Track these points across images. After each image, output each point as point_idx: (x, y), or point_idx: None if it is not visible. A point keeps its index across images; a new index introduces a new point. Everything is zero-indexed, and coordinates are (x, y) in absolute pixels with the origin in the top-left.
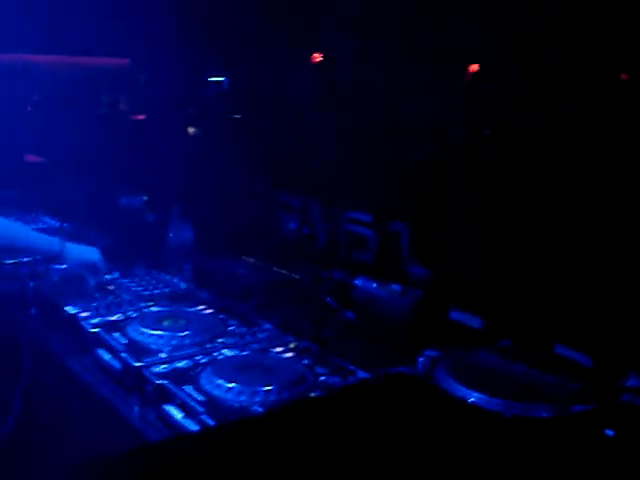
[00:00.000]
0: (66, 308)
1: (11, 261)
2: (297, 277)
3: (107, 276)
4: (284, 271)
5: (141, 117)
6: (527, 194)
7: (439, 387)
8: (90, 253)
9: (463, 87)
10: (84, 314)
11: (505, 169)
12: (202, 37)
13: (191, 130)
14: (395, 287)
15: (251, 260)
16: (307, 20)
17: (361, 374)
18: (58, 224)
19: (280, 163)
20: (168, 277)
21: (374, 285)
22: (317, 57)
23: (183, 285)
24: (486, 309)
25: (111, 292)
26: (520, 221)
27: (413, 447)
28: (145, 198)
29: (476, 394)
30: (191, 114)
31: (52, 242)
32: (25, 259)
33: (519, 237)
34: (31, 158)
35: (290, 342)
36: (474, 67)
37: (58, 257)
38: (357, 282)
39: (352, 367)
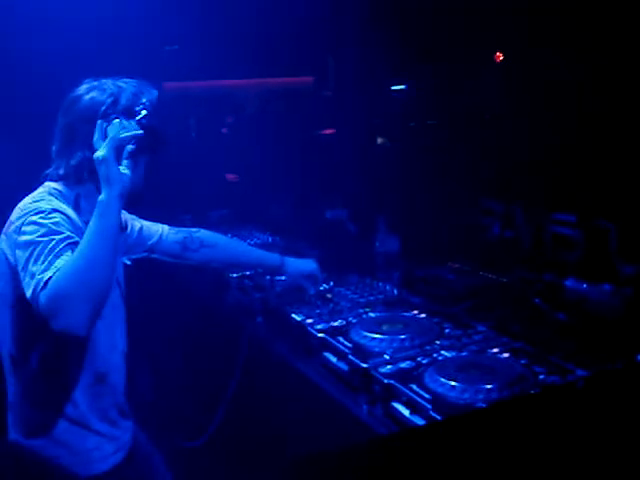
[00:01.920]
0: (292, 315)
1: (236, 275)
2: (505, 280)
3: (324, 285)
4: (491, 275)
5: (330, 131)
6: None
7: None
8: (307, 264)
9: None
10: (309, 320)
11: None
12: (381, 46)
13: (380, 140)
14: (606, 287)
15: (457, 265)
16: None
17: (580, 372)
18: (270, 239)
19: (479, 169)
20: (380, 284)
21: (584, 286)
22: (500, 56)
23: (395, 291)
24: None
25: (330, 300)
26: None
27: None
28: (346, 210)
29: None
30: (378, 124)
31: (273, 257)
32: (248, 272)
33: None
34: (229, 177)
35: (505, 343)
36: None
37: (279, 270)
38: (567, 283)
39: (570, 366)
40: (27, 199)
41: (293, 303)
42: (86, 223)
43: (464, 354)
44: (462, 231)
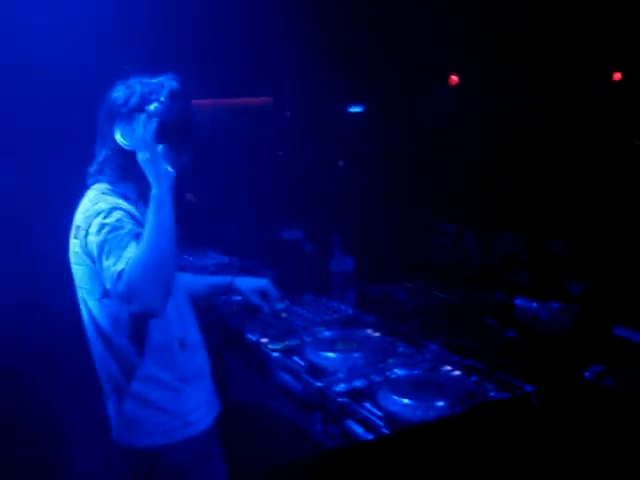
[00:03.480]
0: (247, 335)
1: None
2: (457, 299)
3: (280, 305)
4: (443, 294)
5: (287, 152)
6: None
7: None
8: (259, 282)
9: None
10: (263, 340)
11: None
12: (339, 69)
13: (340, 163)
14: (554, 305)
15: (410, 285)
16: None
17: (528, 388)
18: (227, 259)
19: (432, 190)
20: (335, 304)
21: (534, 304)
22: (455, 80)
23: (350, 310)
24: None
25: (285, 319)
26: None
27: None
28: (302, 231)
29: None
30: (335, 145)
31: (223, 278)
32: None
33: None
34: (188, 196)
35: (457, 361)
36: None
37: (230, 289)
38: (517, 302)
39: (519, 382)
40: (86, 203)
41: (249, 322)
42: (142, 214)
43: (416, 372)
44: (415, 251)
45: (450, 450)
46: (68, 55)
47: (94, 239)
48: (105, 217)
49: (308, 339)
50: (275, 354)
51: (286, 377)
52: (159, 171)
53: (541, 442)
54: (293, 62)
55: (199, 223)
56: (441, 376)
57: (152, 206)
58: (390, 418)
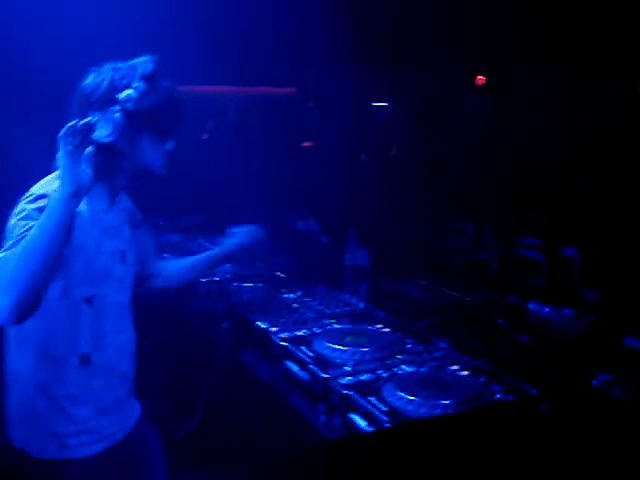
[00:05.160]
0: (257, 323)
1: (204, 280)
2: (469, 299)
3: (291, 295)
4: (455, 293)
5: (308, 144)
6: None
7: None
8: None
9: None
10: (273, 329)
11: None
12: (367, 63)
13: (362, 157)
14: (567, 311)
15: (423, 282)
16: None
17: (534, 392)
18: None
19: (452, 189)
20: (347, 297)
21: (546, 309)
22: (481, 79)
23: (361, 305)
24: None
25: (296, 310)
26: None
27: None
28: (319, 222)
29: None
30: (358, 139)
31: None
32: (216, 278)
33: None
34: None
35: (465, 361)
36: None
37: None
38: (530, 306)
39: (526, 387)
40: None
41: (260, 310)
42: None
43: (424, 370)
44: (431, 249)
45: (449, 448)
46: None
47: (10, 222)
48: (29, 202)
49: (318, 330)
50: (283, 343)
51: (293, 367)
52: (69, 173)
53: (543, 447)
54: (319, 53)
55: (217, 210)
56: (448, 375)
57: (46, 210)
58: (394, 414)
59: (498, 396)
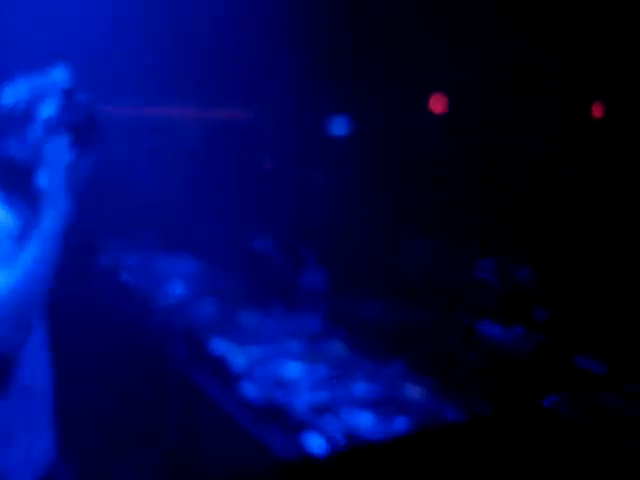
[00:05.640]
0: (212, 342)
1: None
2: (424, 319)
3: (248, 314)
4: (412, 313)
5: (267, 164)
6: None
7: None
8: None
9: None
10: (228, 348)
11: None
12: (321, 81)
13: (319, 177)
14: (518, 330)
15: (380, 301)
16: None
17: (485, 411)
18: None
19: (409, 209)
20: (303, 316)
21: (498, 328)
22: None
23: (318, 324)
24: (611, 354)
25: (252, 330)
26: None
27: None
28: (274, 241)
29: None
30: (315, 159)
31: None
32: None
33: None
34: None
35: (419, 379)
36: None
37: None
38: (481, 324)
39: (477, 404)
40: None
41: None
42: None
43: (379, 388)
44: (386, 267)
45: (404, 469)
46: None
47: None
48: None
49: (274, 350)
50: (238, 363)
51: (248, 387)
52: (56, 201)
53: (494, 466)
54: (278, 75)
55: (173, 228)
56: (403, 393)
57: (35, 240)
58: (349, 433)
59: (450, 414)
